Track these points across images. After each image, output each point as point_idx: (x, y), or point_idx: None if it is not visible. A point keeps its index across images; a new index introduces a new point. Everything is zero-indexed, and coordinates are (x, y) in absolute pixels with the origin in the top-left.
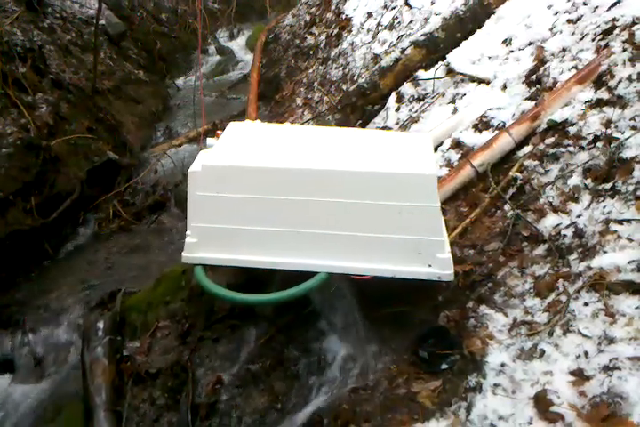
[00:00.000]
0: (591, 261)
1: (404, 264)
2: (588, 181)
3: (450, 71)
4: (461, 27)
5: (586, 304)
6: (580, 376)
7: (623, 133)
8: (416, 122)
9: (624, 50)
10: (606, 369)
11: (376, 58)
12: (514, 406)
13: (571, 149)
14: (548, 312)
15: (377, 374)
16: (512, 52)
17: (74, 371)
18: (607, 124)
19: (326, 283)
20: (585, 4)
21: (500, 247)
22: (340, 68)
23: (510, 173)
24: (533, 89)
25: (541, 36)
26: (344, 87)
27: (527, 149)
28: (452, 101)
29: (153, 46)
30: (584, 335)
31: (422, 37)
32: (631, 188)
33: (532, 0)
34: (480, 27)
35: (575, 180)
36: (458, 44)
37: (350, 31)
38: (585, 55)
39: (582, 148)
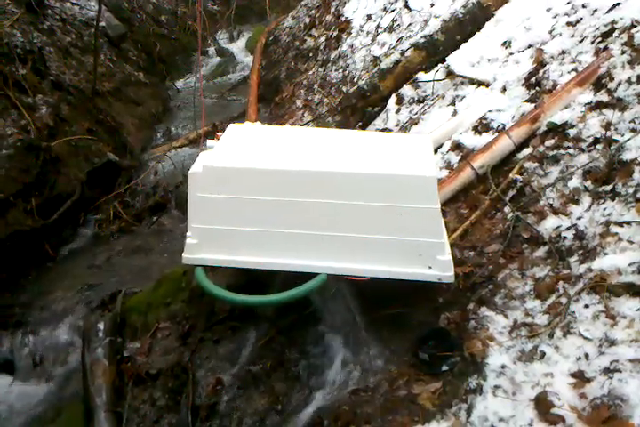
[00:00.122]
0: (592, 264)
1: (405, 266)
2: (589, 184)
3: (450, 73)
4: (461, 29)
5: (586, 306)
6: (580, 378)
7: (623, 136)
8: (416, 124)
9: (623, 52)
10: (607, 371)
11: (376, 60)
12: (514, 407)
13: (571, 151)
14: (548, 314)
15: (377, 376)
16: (512, 54)
17: (74, 372)
18: (607, 126)
19: (326, 284)
20: (584, 6)
21: (501, 249)
22: (340, 70)
23: (510, 175)
24: (533, 91)
25: (541, 39)
26: (344, 89)
27: (527, 151)
28: (452, 103)
29: (153, 48)
30: (585, 337)
31: (422, 40)
32: (631, 190)
33: (532, 3)
34: (479, 29)
35: (575, 182)
36: (457, 47)
37: (350, 33)
38: (584, 58)
39: (582, 150)
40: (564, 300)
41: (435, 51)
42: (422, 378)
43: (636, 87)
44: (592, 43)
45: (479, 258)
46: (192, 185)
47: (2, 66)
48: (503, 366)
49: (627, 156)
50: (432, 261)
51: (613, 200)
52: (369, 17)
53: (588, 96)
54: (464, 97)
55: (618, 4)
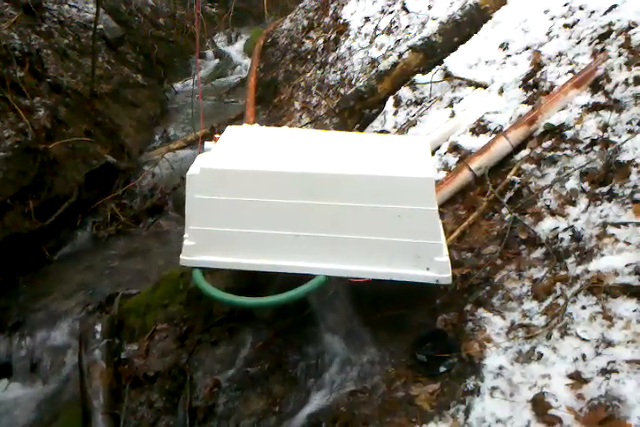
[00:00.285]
0: (589, 265)
1: (402, 267)
2: (586, 185)
3: (447, 75)
4: (458, 31)
5: (583, 307)
6: (577, 379)
7: (620, 137)
8: (414, 126)
9: (620, 54)
10: (604, 372)
11: (374, 62)
12: (512, 409)
13: (568, 152)
14: (545, 315)
15: (375, 378)
16: (509, 56)
17: (71, 374)
18: (604, 127)
19: (324, 286)
20: (581, 8)
21: (498, 251)
22: (338, 73)
23: (508, 177)
24: (530, 93)
25: (538, 41)
26: (342, 91)
27: (524, 152)
28: (450, 105)
29: (151, 50)
30: (582, 338)
31: (420, 42)
32: (628, 191)
33: (529, 5)
34: (477, 31)
35: (572, 183)
36: (455, 49)
37: (348, 35)
38: (581, 59)
39: (579, 151)
40: (561, 301)
41: (432, 53)
42: (420, 379)
43: (633, 89)
44: (589, 44)
45: (476, 259)
46: (190, 187)
47: (0, 68)
48: (501, 368)
49: (624, 157)
50: (430, 263)
51: (610, 201)
52: (367, 19)
53: (585, 98)
54: (461, 99)
55: (615, 5)
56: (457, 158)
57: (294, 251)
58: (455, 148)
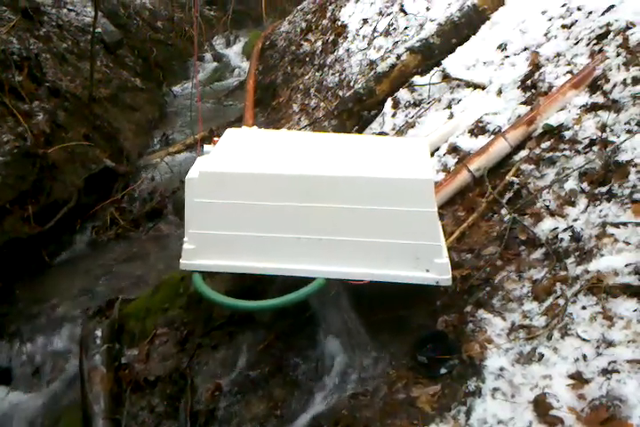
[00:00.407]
0: (588, 265)
1: (402, 269)
2: (585, 185)
3: (445, 77)
4: (456, 32)
5: (584, 308)
6: (578, 380)
7: (619, 137)
8: (412, 127)
9: (618, 54)
10: (605, 372)
11: (372, 64)
12: (513, 410)
13: (567, 153)
14: (546, 316)
15: (376, 380)
16: (507, 57)
17: (72, 379)
18: (602, 128)
19: (324, 288)
20: (579, 9)
21: (498, 252)
22: (337, 75)
23: (507, 178)
24: (529, 94)
25: (536, 42)
26: (340, 93)
27: (523, 153)
28: (448, 107)
29: (149, 54)
30: (582, 339)
31: (418, 43)
32: (627, 191)
33: (527, 6)
34: (475, 32)
35: (571, 183)
36: (453, 50)
37: (346, 38)
38: (580, 60)
39: (578, 152)
40: (561, 301)
41: (430, 54)
42: (421, 381)
43: (632, 89)
44: (587, 45)
45: (476, 260)
46: (189, 190)
47: None
48: (502, 369)
49: (622, 157)
50: (429, 265)
51: (609, 201)
52: (365, 21)
53: (583, 98)
54: (460, 100)
55: (613, 6)
56: (456, 159)
57: (294, 254)
58: (454, 149)
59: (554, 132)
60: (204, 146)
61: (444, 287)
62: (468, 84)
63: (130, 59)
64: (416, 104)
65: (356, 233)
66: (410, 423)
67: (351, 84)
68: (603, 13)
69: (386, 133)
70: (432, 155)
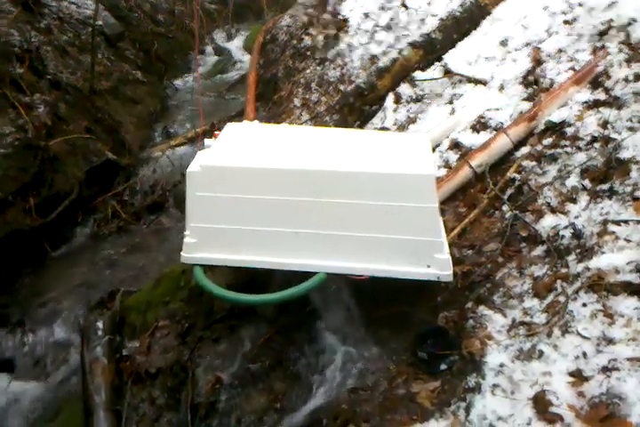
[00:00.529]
0: (589, 262)
1: (403, 265)
2: (586, 182)
3: (447, 72)
4: (458, 27)
5: (584, 305)
6: (578, 377)
7: (620, 134)
8: (414, 122)
9: (620, 50)
10: (605, 370)
11: (373, 58)
12: (513, 406)
13: (568, 149)
14: (546, 313)
15: (376, 375)
16: (509, 52)
17: (73, 371)
18: (604, 124)
19: (325, 283)
20: (581, 4)
21: (499, 248)
22: (338, 69)
23: (508, 174)
24: (530, 90)
25: (538, 37)
26: (342, 88)
27: (525, 149)
28: (450, 102)
29: (150, 47)
30: (583, 336)
31: (419, 38)
32: (629, 188)
33: (529, 1)
34: (477, 28)
35: (573, 180)
36: (454, 45)
37: (347, 32)
38: (581, 56)
39: (580, 148)
40: (562, 298)
41: (432, 49)
42: (421, 377)
43: (633, 85)
44: (589, 41)
45: (477, 257)
46: (190, 184)
47: None
48: (502, 365)
49: (624, 154)
50: (431, 260)
51: (611, 199)
52: (366, 15)
53: (585, 95)
54: (462, 95)
55: (614, 2)
56: (458, 155)
57: (295, 248)
58: (456, 145)
59: (555, 129)
60: (206, 139)
61: (445, 283)
62: (470, 80)
63: (131, 51)
64: (417, 99)
65: (357, 228)
66: (409, 419)
67: (352, 78)
68: (604, 9)
69: (387, 129)
70: (434, 150)
